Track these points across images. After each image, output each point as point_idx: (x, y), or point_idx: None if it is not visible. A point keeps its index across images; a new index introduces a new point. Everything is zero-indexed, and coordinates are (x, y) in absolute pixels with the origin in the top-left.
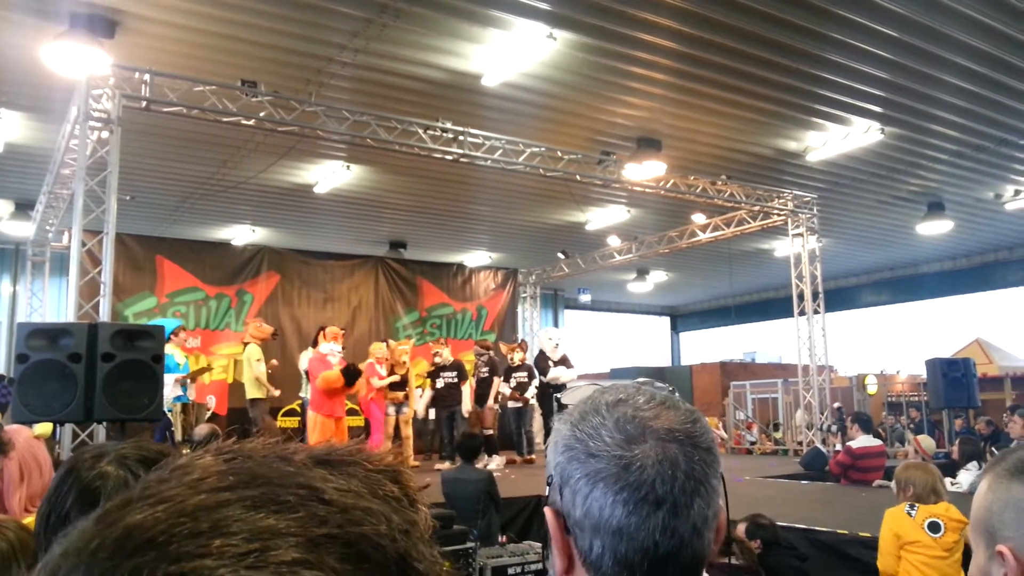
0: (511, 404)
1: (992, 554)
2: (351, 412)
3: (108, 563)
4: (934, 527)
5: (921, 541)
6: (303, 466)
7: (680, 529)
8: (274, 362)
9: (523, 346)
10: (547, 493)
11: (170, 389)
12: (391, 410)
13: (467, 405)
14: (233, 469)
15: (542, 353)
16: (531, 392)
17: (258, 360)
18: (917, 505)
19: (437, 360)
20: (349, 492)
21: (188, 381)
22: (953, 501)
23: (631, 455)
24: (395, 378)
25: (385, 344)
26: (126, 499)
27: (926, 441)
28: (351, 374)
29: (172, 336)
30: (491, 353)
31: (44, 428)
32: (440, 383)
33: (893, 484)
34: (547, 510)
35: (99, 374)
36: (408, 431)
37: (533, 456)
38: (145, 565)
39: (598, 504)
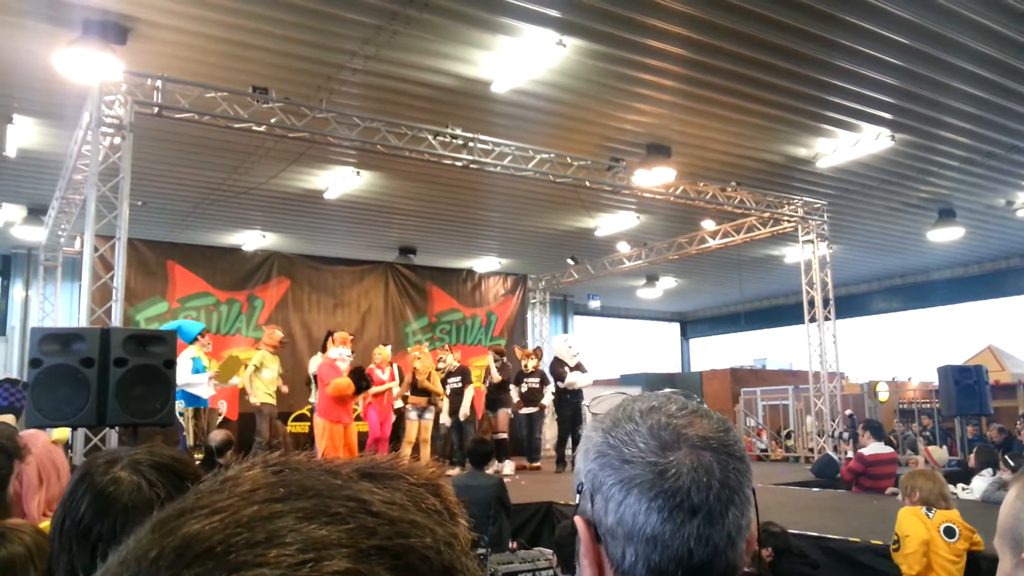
0: (524, 410)
1: (1019, 561)
2: (358, 418)
3: (168, 571)
4: (950, 532)
5: (936, 544)
6: (349, 479)
7: (715, 538)
8: (284, 389)
9: (538, 353)
10: (577, 501)
11: (205, 388)
12: (413, 415)
13: (464, 410)
14: (283, 481)
15: (558, 359)
16: (547, 399)
17: (259, 367)
18: (934, 508)
19: (441, 366)
20: (395, 505)
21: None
22: (965, 508)
23: (666, 462)
24: (391, 385)
25: (387, 348)
26: (180, 509)
27: (937, 452)
28: (360, 379)
29: (197, 338)
30: (504, 359)
31: (62, 433)
32: (447, 389)
33: (899, 490)
34: (578, 519)
35: (112, 379)
36: (426, 436)
37: (539, 464)
38: (205, 574)
39: (632, 511)
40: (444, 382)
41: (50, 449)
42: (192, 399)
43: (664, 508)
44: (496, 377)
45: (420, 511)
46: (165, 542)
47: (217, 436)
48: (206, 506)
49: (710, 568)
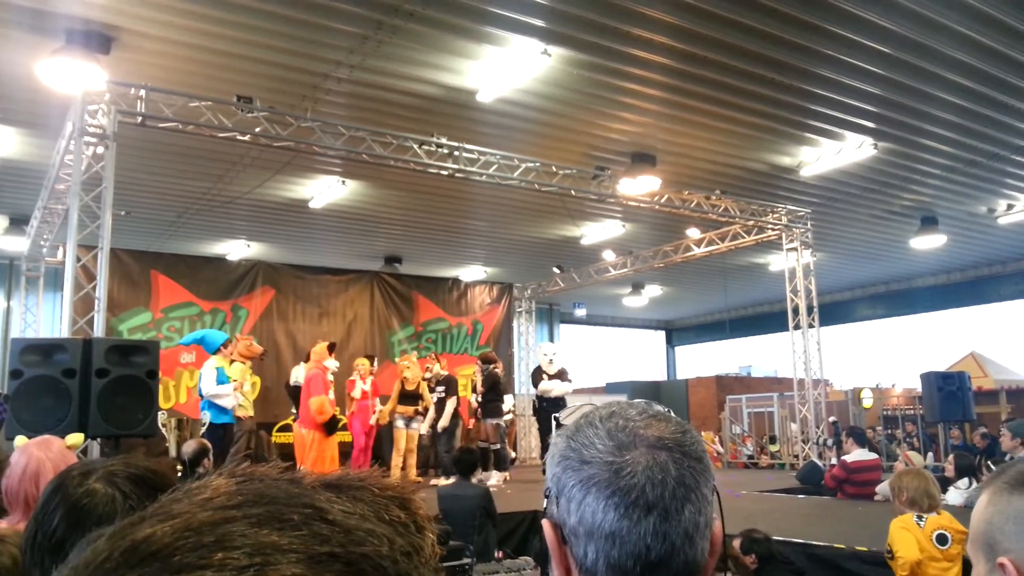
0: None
1: (993, 567)
2: (343, 428)
3: (114, 574)
4: (942, 539)
5: (930, 552)
6: (311, 489)
7: (671, 534)
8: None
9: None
10: (544, 505)
11: (230, 400)
12: (400, 423)
13: (443, 422)
14: (242, 489)
15: (538, 368)
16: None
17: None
18: (924, 516)
19: (428, 376)
20: (353, 514)
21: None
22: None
23: (622, 460)
24: (380, 408)
25: (369, 360)
26: (140, 516)
27: (916, 458)
28: (332, 427)
29: (221, 348)
30: (491, 367)
31: (76, 439)
32: (433, 398)
33: (888, 491)
34: (544, 522)
35: (93, 389)
36: (412, 445)
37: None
38: (149, 575)
39: (591, 509)
40: (431, 391)
41: (65, 454)
42: (219, 412)
43: (620, 505)
44: (479, 386)
45: (382, 522)
46: (115, 546)
47: (190, 446)
48: (162, 513)
49: (668, 564)
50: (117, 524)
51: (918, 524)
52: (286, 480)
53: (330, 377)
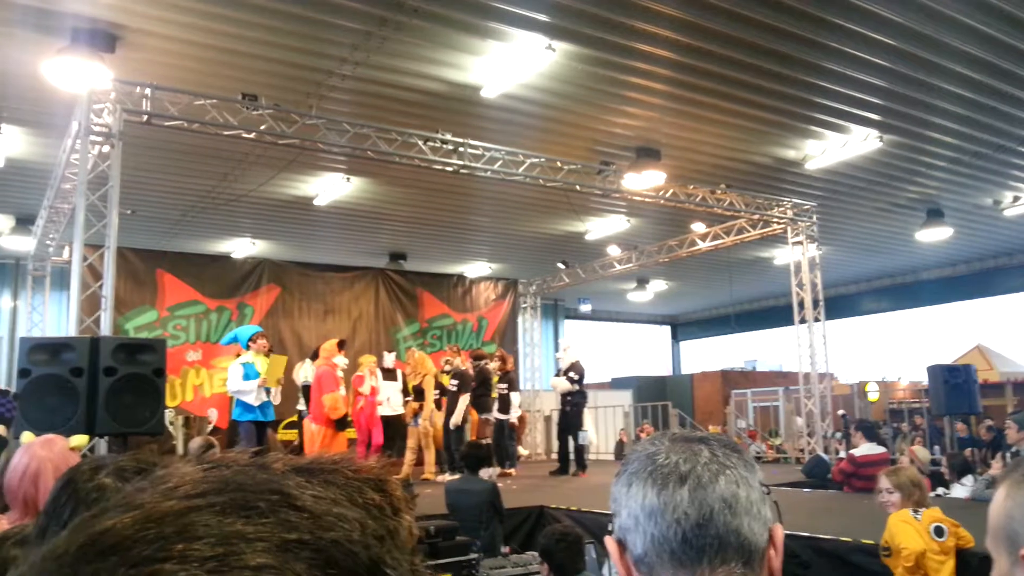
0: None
1: (1016, 559)
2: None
3: (68, 569)
4: (939, 531)
5: (929, 545)
6: (280, 474)
7: (708, 500)
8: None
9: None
10: (609, 526)
11: (255, 394)
12: (412, 422)
13: (456, 418)
14: (208, 477)
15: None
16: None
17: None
18: (921, 510)
19: (447, 368)
20: (324, 499)
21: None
22: (953, 507)
23: (657, 449)
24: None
25: (373, 357)
26: (103, 507)
27: (921, 452)
28: (342, 423)
29: (250, 343)
30: (482, 363)
31: (80, 440)
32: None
33: (876, 493)
34: (607, 538)
35: (101, 388)
36: (428, 443)
37: (512, 471)
38: (103, 570)
39: (635, 499)
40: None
41: (67, 455)
42: (245, 410)
43: (657, 482)
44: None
45: (355, 505)
46: (74, 539)
47: (196, 443)
48: (126, 503)
49: (707, 529)
50: (81, 515)
51: (915, 518)
52: (255, 466)
53: (339, 374)
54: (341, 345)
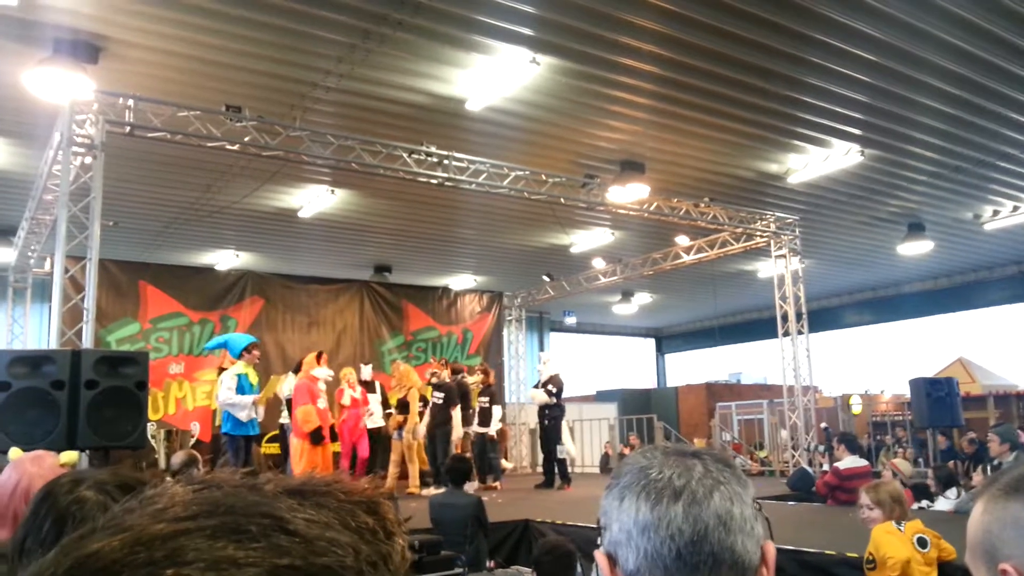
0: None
1: (996, 574)
2: (335, 438)
3: None
4: (922, 542)
5: (913, 556)
6: (272, 496)
7: (702, 516)
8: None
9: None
10: (599, 540)
11: (247, 411)
12: (396, 435)
13: (457, 432)
14: (198, 499)
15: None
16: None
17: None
18: (903, 522)
19: (433, 380)
20: (316, 523)
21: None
22: (937, 520)
23: (650, 463)
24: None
25: (353, 370)
26: (90, 528)
27: (904, 465)
28: (316, 437)
29: (244, 353)
30: (460, 376)
31: (70, 456)
32: (431, 402)
33: (857, 508)
34: (596, 553)
35: (82, 401)
36: (412, 456)
37: (496, 484)
38: None
39: (627, 513)
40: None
41: (57, 471)
42: (236, 425)
43: (651, 497)
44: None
45: (348, 529)
46: (61, 562)
47: (178, 457)
48: (115, 525)
49: (701, 547)
50: (68, 536)
51: (899, 529)
52: (246, 487)
53: (322, 386)
54: (319, 357)
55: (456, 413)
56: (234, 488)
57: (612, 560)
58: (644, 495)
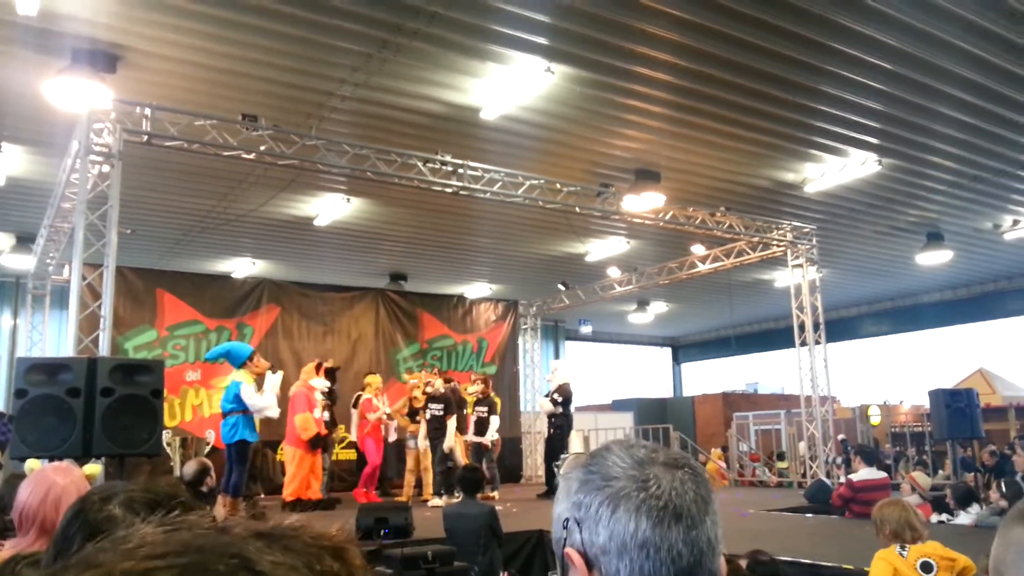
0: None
1: None
2: (350, 445)
3: None
4: (927, 567)
5: None
6: (241, 539)
7: (699, 542)
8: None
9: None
10: (562, 536)
11: (275, 410)
12: (411, 443)
13: (448, 442)
14: (169, 540)
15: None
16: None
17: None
18: (908, 546)
19: (428, 391)
20: (283, 564)
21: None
22: (951, 534)
23: (646, 474)
24: (382, 412)
25: (380, 377)
26: (65, 565)
27: (922, 478)
28: (315, 444)
29: (247, 362)
30: (452, 385)
31: (93, 468)
32: (428, 415)
33: (873, 525)
34: (568, 551)
35: (98, 409)
36: (427, 465)
37: (494, 494)
38: None
39: (622, 524)
40: (425, 407)
41: (83, 482)
42: (253, 430)
43: (652, 514)
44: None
45: (312, 572)
46: None
47: (190, 468)
48: (87, 562)
49: (696, 572)
50: (44, 570)
51: (901, 555)
52: (216, 529)
53: (319, 396)
54: (319, 368)
55: (452, 423)
56: (204, 531)
57: (590, 563)
58: (646, 511)
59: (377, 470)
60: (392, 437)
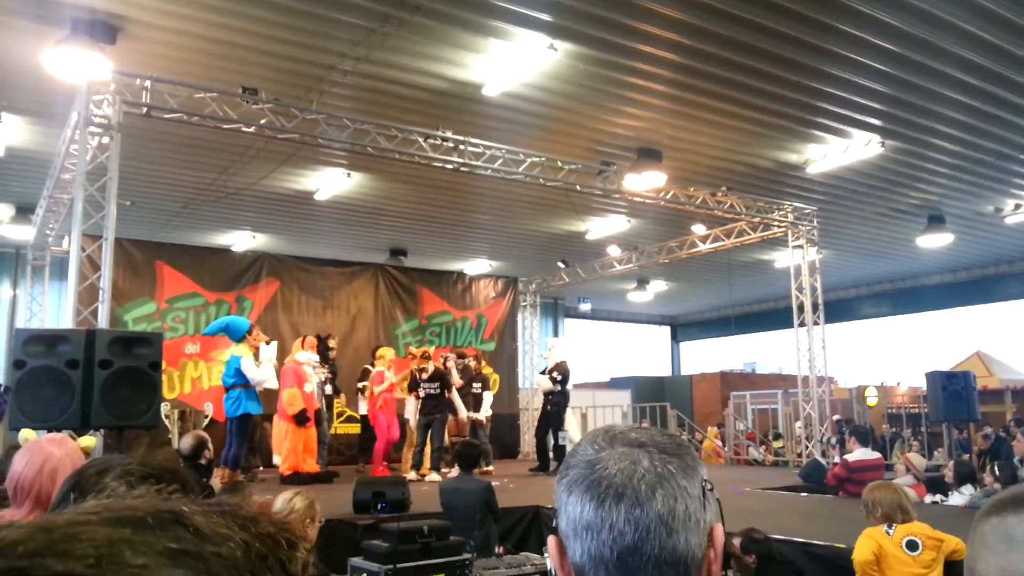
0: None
1: None
2: (350, 420)
3: None
4: (912, 545)
5: (900, 559)
6: (180, 503)
7: (643, 520)
8: None
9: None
10: (553, 522)
11: (274, 381)
12: (412, 419)
13: (462, 414)
14: (108, 503)
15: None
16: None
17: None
18: (895, 524)
19: (418, 368)
20: (215, 522)
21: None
22: (944, 515)
23: (597, 457)
24: (389, 381)
25: (391, 349)
26: (11, 523)
27: (917, 459)
28: (301, 419)
29: (246, 336)
30: (466, 361)
31: (89, 440)
32: (422, 393)
33: (863, 507)
34: (551, 537)
35: (96, 381)
36: (413, 440)
37: (489, 468)
38: None
39: (573, 507)
40: (418, 386)
41: (79, 454)
42: (257, 402)
43: (595, 496)
44: (457, 381)
45: (245, 531)
46: None
47: (187, 441)
48: (33, 523)
49: (642, 550)
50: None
51: (887, 533)
52: (156, 497)
53: (308, 370)
54: (304, 341)
55: (456, 396)
56: (144, 497)
57: (562, 548)
58: (589, 494)
59: (389, 446)
60: (409, 416)
